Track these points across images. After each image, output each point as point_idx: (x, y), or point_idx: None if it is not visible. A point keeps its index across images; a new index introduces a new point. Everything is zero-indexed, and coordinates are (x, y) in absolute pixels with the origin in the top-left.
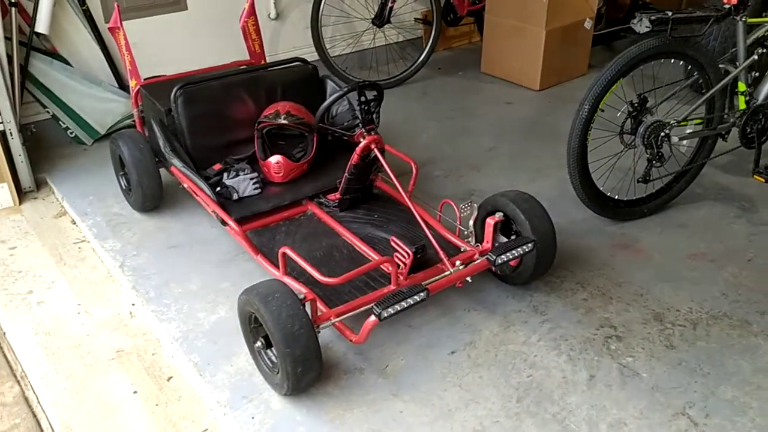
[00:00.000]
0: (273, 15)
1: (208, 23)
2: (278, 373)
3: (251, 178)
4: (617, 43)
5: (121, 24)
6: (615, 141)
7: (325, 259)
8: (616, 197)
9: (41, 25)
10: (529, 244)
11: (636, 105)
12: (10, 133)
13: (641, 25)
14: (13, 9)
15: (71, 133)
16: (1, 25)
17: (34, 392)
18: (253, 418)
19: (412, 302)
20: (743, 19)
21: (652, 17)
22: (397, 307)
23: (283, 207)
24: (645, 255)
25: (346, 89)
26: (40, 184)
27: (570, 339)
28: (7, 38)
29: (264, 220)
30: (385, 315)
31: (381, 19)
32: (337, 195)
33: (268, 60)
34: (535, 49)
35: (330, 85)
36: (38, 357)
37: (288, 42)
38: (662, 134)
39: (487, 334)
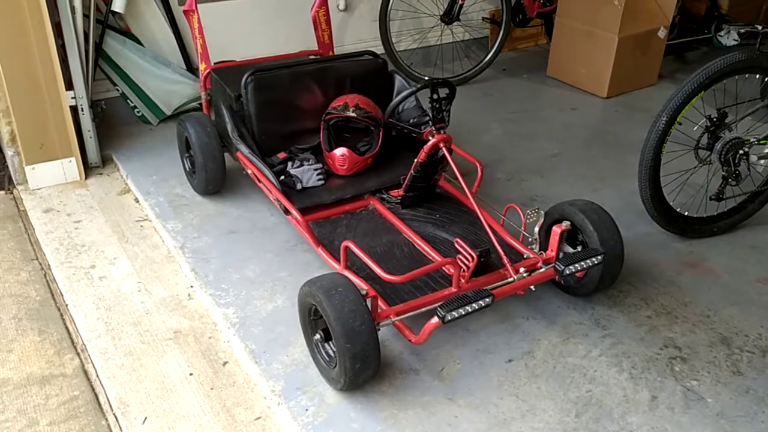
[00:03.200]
0: (342, 6)
1: (278, 11)
2: (335, 367)
3: (315, 169)
4: (689, 54)
5: (196, 7)
6: (689, 156)
7: (386, 256)
8: (686, 213)
9: (118, 4)
10: (599, 257)
11: (715, 120)
12: (82, 108)
13: (729, 37)
14: None
15: (138, 112)
16: (81, 2)
17: (93, 366)
18: (307, 410)
19: (476, 307)
20: None
21: (741, 30)
22: (462, 311)
23: (346, 200)
24: (713, 275)
25: (420, 86)
26: (105, 161)
27: (632, 356)
28: (85, 15)
29: (326, 212)
30: (449, 318)
31: (450, 16)
32: (401, 192)
33: (335, 51)
34: (606, 55)
35: (398, 80)
36: (98, 331)
37: (354, 34)
38: (741, 152)
39: (546, 344)
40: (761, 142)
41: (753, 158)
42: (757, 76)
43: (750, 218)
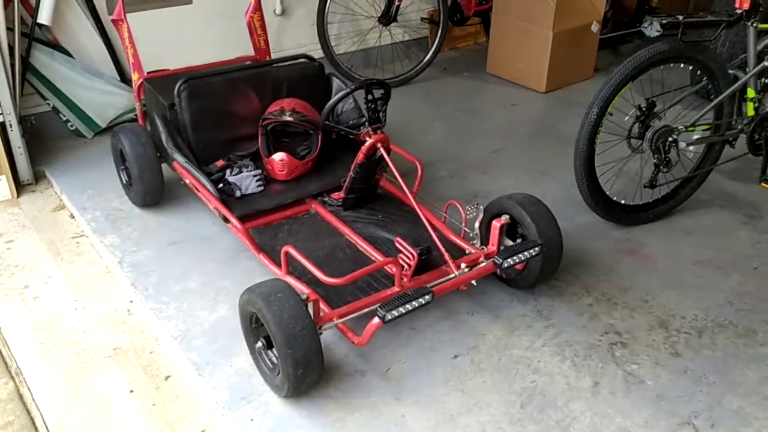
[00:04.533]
0: (279, 11)
1: (213, 17)
2: (279, 374)
3: (254, 175)
4: (623, 47)
5: (124, 16)
6: (622, 145)
7: (328, 259)
8: (623, 202)
9: (44, 16)
10: (536, 248)
11: (644, 109)
12: (10, 125)
13: (652, 28)
14: (16, 0)
15: (71, 125)
16: (3, 16)
17: (29, 389)
18: (252, 420)
19: (416, 305)
20: (754, 25)
21: (663, 21)
22: (402, 310)
23: (287, 205)
24: (650, 261)
25: (354, 87)
26: (38, 177)
27: (574, 345)
28: (9, 29)
29: (266, 218)
30: (389, 317)
31: (387, 17)
32: (341, 194)
33: (273, 56)
34: (542, 50)
35: (336, 82)
36: (33, 353)
37: (293, 38)
38: (670, 139)
39: (491, 338)
40: (689, 129)
41: (682, 145)
42: (682, 65)
43: (683, 203)
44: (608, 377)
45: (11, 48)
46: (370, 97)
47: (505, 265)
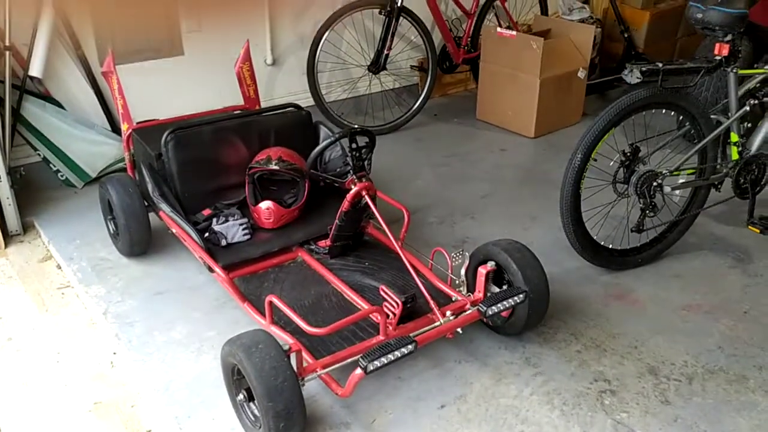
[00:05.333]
0: (270, 61)
1: (205, 68)
2: (260, 428)
3: (241, 224)
4: (611, 93)
5: (114, 68)
6: (608, 190)
7: (314, 308)
8: (610, 246)
9: (35, 69)
10: (521, 295)
11: (628, 154)
12: None
13: (632, 76)
14: (8, 52)
15: (62, 176)
16: None
17: None
18: None
19: (399, 355)
20: (734, 71)
21: (643, 68)
22: (384, 360)
23: (273, 253)
24: (639, 306)
25: (337, 135)
26: (27, 228)
27: (563, 393)
28: (0, 81)
29: (253, 267)
30: (371, 368)
31: (377, 66)
32: (328, 242)
33: (263, 105)
34: (530, 97)
35: (323, 130)
36: (14, 407)
37: (284, 88)
38: (654, 184)
39: (479, 387)
40: (673, 173)
41: (667, 189)
42: (663, 111)
43: (671, 247)
44: (597, 427)
45: (2, 100)
46: (354, 145)
47: (490, 312)
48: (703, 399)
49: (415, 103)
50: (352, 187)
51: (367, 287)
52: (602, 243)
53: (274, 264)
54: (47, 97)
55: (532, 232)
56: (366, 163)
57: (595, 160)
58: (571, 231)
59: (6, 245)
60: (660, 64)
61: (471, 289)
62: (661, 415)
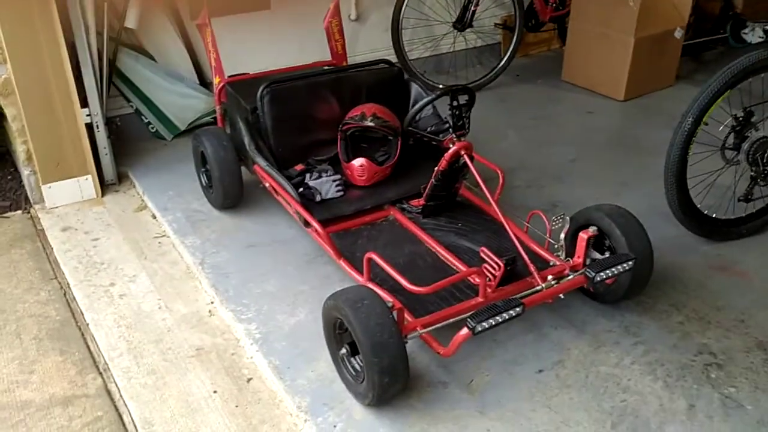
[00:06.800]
0: (353, 16)
1: (289, 23)
2: (363, 382)
3: (334, 180)
4: (706, 54)
5: (209, 20)
6: (715, 157)
7: (409, 267)
8: (714, 216)
9: (131, 20)
10: (630, 262)
11: (741, 119)
12: (97, 126)
13: (754, 34)
14: (105, 4)
15: (152, 128)
16: (94, 20)
17: (116, 385)
18: (335, 426)
19: (507, 317)
20: None
21: (767, 27)
22: (492, 322)
23: (365, 211)
24: (745, 278)
25: (439, 92)
26: (121, 178)
27: (666, 364)
28: (99, 33)
29: (346, 224)
30: (479, 329)
31: (462, 23)
32: (421, 201)
33: (348, 61)
34: (622, 57)
35: (414, 88)
36: (120, 350)
37: (367, 44)
38: None
39: (577, 353)
40: None
41: None
42: None
43: None
44: (704, 400)
45: (99, 52)
46: (455, 103)
47: (598, 278)
48: None
49: (499, 63)
50: (451, 145)
51: (462, 248)
52: (705, 212)
53: (366, 222)
54: (140, 49)
55: (623, 197)
56: (465, 121)
57: (707, 124)
58: (674, 198)
59: (103, 194)
60: None
61: (569, 254)
62: None
